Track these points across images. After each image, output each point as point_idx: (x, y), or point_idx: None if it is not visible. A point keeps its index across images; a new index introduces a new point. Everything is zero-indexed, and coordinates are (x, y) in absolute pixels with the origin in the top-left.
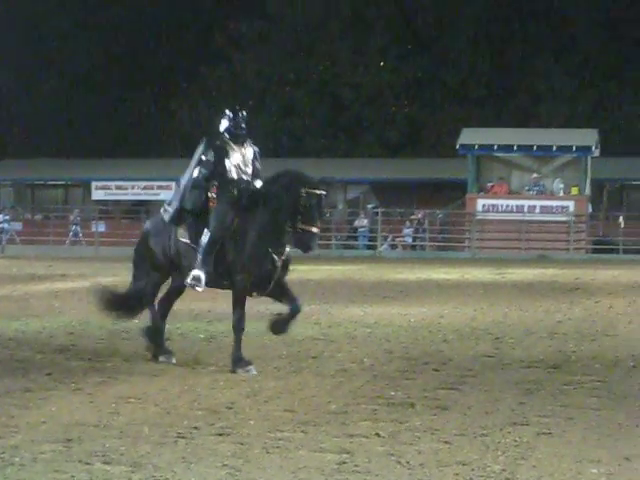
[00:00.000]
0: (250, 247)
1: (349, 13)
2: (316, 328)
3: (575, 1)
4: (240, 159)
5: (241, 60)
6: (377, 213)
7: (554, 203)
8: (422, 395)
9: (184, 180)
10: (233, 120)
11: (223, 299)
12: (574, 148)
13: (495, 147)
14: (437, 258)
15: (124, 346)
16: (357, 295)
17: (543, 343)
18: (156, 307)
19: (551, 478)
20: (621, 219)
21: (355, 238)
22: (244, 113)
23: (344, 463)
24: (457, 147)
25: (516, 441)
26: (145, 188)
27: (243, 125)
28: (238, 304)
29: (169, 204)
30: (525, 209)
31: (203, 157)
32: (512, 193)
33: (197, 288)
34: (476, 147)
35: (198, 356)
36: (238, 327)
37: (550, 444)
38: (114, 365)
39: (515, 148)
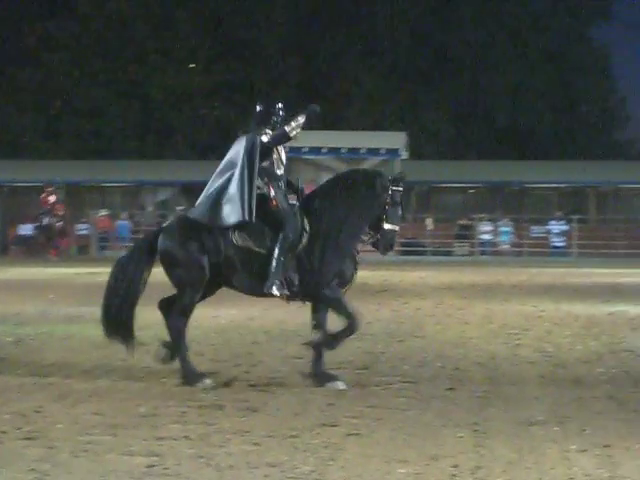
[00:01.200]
0: (340, 250)
1: (158, 14)
2: None
3: (383, 6)
4: (280, 156)
5: (50, 61)
6: None
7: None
8: (232, 397)
9: (235, 182)
10: (271, 114)
11: (31, 302)
12: (383, 150)
13: (304, 149)
14: None
15: None
16: None
17: (352, 344)
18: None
19: (359, 478)
20: (429, 221)
21: None
22: (280, 105)
23: (153, 466)
24: None
25: (325, 442)
26: None
27: (279, 119)
28: (343, 308)
29: (208, 209)
30: None
31: (251, 157)
32: None
33: (279, 294)
34: None
35: (6, 359)
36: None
37: (359, 445)
38: None
39: (324, 150)
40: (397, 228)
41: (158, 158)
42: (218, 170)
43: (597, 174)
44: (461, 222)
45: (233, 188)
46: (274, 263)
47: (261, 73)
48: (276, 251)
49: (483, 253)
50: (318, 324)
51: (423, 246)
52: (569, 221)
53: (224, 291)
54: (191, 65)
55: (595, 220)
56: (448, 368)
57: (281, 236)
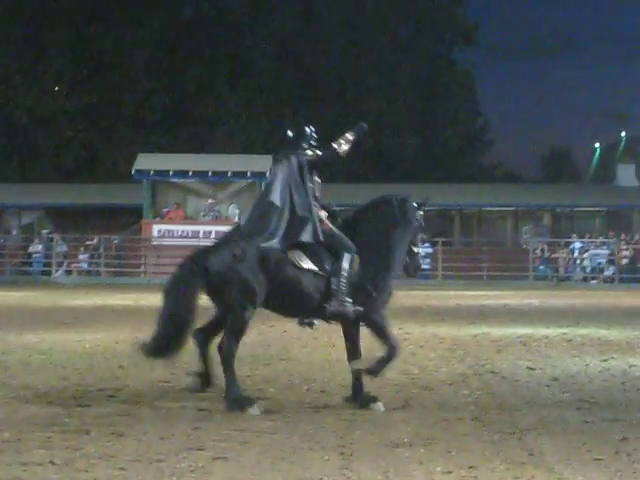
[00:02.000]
0: (393, 273)
1: (23, 35)
2: None
3: (251, 28)
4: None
5: None
6: (52, 239)
7: (230, 228)
8: (97, 422)
9: (297, 203)
10: (303, 138)
11: None
12: (249, 174)
13: (171, 173)
14: (113, 284)
15: None
16: (32, 321)
17: (218, 368)
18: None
19: None
20: None
21: (30, 264)
22: (311, 128)
23: None
24: (133, 172)
25: (192, 466)
26: None
27: (312, 142)
28: (387, 334)
29: (268, 230)
30: (201, 234)
31: (304, 177)
32: (188, 219)
33: (345, 312)
34: (151, 173)
35: None
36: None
37: (225, 468)
38: None
39: (190, 174)
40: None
41: (22, 181)
42: (268, 191)
43: (461, 197)
44: None
45: (295, 209)
46: (336, 284)
47: (127, 95)
48: (340, 272)
49: None
50: (355, 350)
51: None
52: (434, 244)
53: (86, 315)
54: (56, 88)
55: (460, 243)
56: (314, 391)
57: (344, 258)
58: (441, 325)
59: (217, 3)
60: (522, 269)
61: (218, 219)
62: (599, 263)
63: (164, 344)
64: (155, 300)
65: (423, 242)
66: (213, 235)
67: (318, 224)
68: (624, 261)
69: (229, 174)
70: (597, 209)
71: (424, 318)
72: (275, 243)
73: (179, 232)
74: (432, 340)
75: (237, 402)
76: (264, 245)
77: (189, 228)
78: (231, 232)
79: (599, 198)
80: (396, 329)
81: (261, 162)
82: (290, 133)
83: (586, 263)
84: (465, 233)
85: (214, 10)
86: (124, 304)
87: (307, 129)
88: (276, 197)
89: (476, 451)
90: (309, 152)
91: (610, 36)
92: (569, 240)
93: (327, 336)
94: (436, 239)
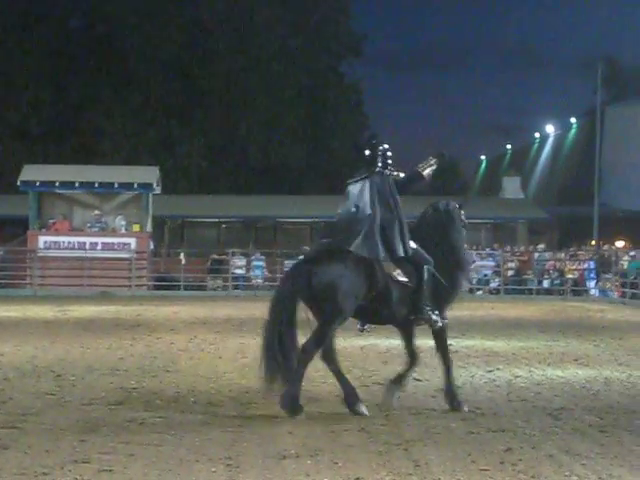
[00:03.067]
0: (463, 270)
1: None
2: None
3: (136, 39)
4: None
5: None
6: None
7: (116, 240)
8: None
9: (392, 219)
10: (379, 156)
11: None
12: (135, 185)
13: (57, 184)
14: None
15: None
16: None
17: (105, 380)
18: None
19: None
20: (182, 255)
21: None
22: (386, 146)
23: None
24: (18, 183)
25: (77, 479)
26: None
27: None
28: (445, 341)
29: (367, 243)
30: (87, 246)
31: (394, 194)
32: (74, 230)
33: (439, 321)
34: (37, 184)
35: None
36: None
37: None
38: None
39: (77, 185)
40: None
41: None
42: (360, 204)
43: None
44: (214, 256)
45: (387, 224)
46: (423, 295)
47: (12, 105)
48: (423, 284)
49: (236, 287)
50: (414, 355)
51: (176, 280)
52: None
53: None
54: None
55: None
56: (201, 403)
57: (425, 271)
58: None
59: (103, 13)
60: None
61: (105, 230)
62: (485, 275)
63: (275, 366)
64: (41, 312)
65: None
66: (99, 247)
67: (407, 239)
68: (509, 273)
69: (115, 185)
70: (483, 221)
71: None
72: (378, 256)
73: (65, 243)
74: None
75: (291, 402)
76: (368, 256)
77: (75, 239)
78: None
79: (485, 210)
80: None
81: (147, 173)
82: (368, 152)
83: (472, 275)
84: None
85: (100, 20)
86: (10, 316)
87: (382, 147)
88: (369, 211)
89: (362, 462)
90: (394, 172)
91: (498, 50)
92: None
93: (214, 348)
94: None
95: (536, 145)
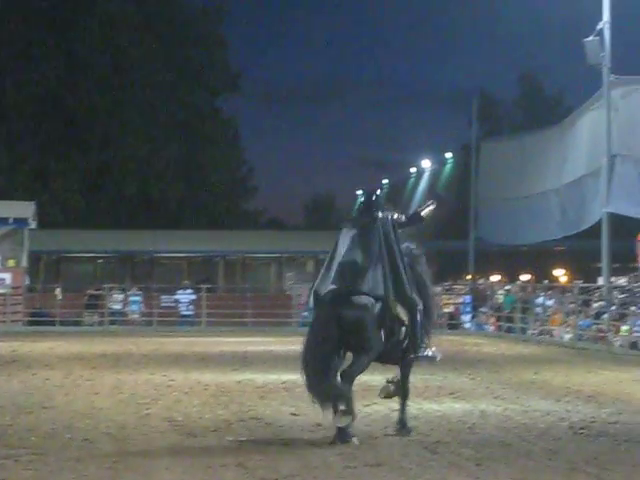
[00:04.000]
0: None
1: None
2: None
3: (9, 72)
4: None
5: None
6: None
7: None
8: None
9: (397, 259)
10: (375, 200)
11: None
12: (11, 220)
13: None
14: None
15: None
16: None
17: None
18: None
19: None
20: (58, 291)
21: None
22: (380, 192)
23: None
24: None
25: None
26: None
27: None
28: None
29: (378, 282)
30: None
31: (392, 235)
32: None
33: (437, 357)
34: None
35: None
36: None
37: None
38: None
39: None
40: None
41: None
42: (367, 243)
43: (226, 243)
44: (90, 291)
45: (395, 265)
46: (420, 332)
47: None
48: (418, 324)
49: (113, 323)
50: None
51: (52, 316)
52: (198, 290)
53: None
54: None
55: (224, 289)
56: (77, 439)
57: (422, 308)
58: (205, 371)
59: None
60: (286, 315)
61: None
62: None
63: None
64: None
65: (185, 288)
66: None
67: (407, 281)
68: None
69: None
70: None
71: (188, 364)
72: (391, 295)
73: None
74: (196, 387)
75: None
76: (381, 295)
77: None
78: (346, 285)
79: None
80: (160, 376)
81: (23, 208)
82: (368, 196)
83: None
84: (229, 279)
85: None
86: None
87: (379, 191)
88: (377, 251)
89: None
90: (396, 215)
91: (374, 84)
92: None
93: (91, 384)
94: (200, 285)
95: (412, 180)
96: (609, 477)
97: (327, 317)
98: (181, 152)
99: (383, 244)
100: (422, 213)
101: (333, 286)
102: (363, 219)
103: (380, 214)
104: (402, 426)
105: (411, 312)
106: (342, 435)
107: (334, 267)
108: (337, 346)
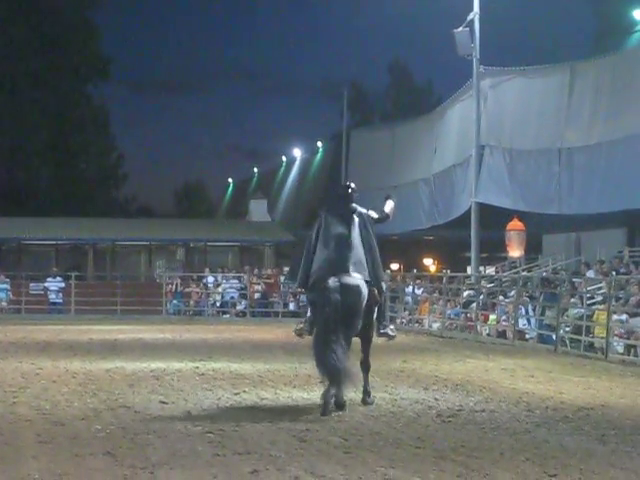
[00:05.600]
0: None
1: None
2: None
3: None
4: None
5: None
6: None
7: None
8: None
9: (374, 251)
10: (351, 194)
11: None
12: None
13: None
14: None
15: None
16: None
17: None
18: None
19: None
20: None
21: None
22: (353, 186)
23: None
24: None
25: None
26: None
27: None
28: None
29: (363, 267)
30: None
31: (370, 228)
32: None
33: (393, 334)
34: None
35: None
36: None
37: None
38: None
39: None
40: None
41: None
42: (347, 232)
43: (95, 231)
44: None
45: (374, 256)
46: (385, 312)
47: None
48: (385, 302)
49: None
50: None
51: None
52: (67, 278)
53: None
54: None
55: (93, 277)
56: None
57: (385, 291)
58: (74, 360)
59: None
60: (156, 303)
61: None
62: (232, 297)
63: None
64: None
65: (54, 276)
66: None
67: (381, 266)
68: (256, 295)
69: None
70: (230, 244)
71: (56, 353)
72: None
73: None
74: (64, 375)
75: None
76: (368, 280)
77: None
78: (340, 275)
79: (232, 233)
80: (28, 364)
81: None
82: (343, 190)
83: (218, 297)
84: (99, 267)
85: None
86: None
87: (352, 186)
88: (359, 240)
89: None
90: (369, 211)
91: (242, 73)
92: (202, 274)
93: None
94: (69, 273)
95: (283, 168)
96: (476, 464)
97: (336, 304)
98: (50, 138)
99: (364, 234)
100: (387, 210)
101: (333, 276)
102: (341, 210)
103: (358, 208)
104: (367, 395)
105: (381, 294)
106: (326, 409)
107: (326, 254)
108: (344, 330)
